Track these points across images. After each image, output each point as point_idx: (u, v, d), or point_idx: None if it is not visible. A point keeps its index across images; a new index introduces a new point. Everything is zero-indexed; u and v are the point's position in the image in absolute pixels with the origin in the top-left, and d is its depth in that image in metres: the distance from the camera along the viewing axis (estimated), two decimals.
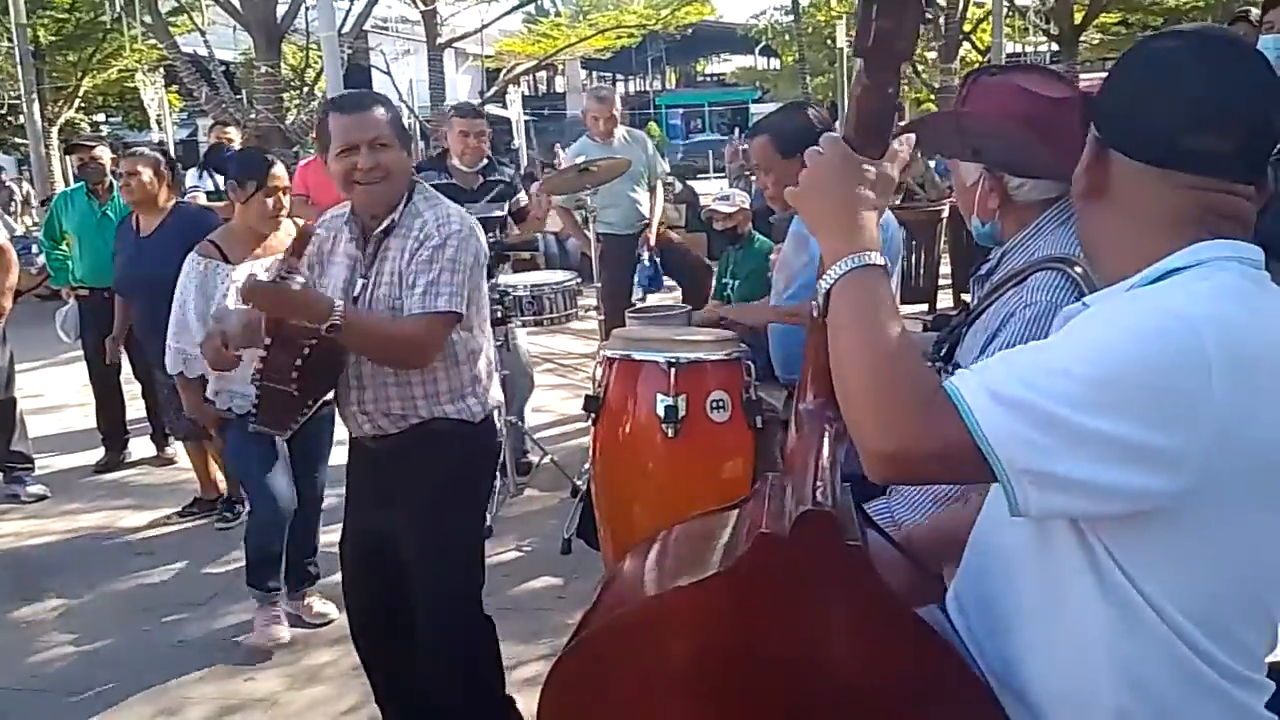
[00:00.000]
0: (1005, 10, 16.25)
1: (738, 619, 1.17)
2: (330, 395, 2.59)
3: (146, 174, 4.44)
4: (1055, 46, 18.72)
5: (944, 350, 1.80)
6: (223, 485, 4.80)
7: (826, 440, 1.28)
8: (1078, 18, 18.21)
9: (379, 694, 2.81)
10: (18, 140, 18.87)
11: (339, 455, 3.21)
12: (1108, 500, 1.00)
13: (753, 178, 12.38)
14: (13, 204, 19.02)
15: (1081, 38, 18.48)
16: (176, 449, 5.60)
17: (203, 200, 6.39)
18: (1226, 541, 1.04)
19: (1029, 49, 20.15)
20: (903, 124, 1.27)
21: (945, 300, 8.18)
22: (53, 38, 17.22)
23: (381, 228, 2.45)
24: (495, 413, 2.68)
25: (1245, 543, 1.05)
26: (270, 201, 3.43)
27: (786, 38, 25.09)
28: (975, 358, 1.69)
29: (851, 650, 1.17)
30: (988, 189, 1.78)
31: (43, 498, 5.14)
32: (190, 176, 7.23)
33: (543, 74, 34.46)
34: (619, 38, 22.73)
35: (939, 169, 7.91)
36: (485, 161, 4.94)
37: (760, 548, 1.15)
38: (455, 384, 2.52)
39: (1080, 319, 1.08)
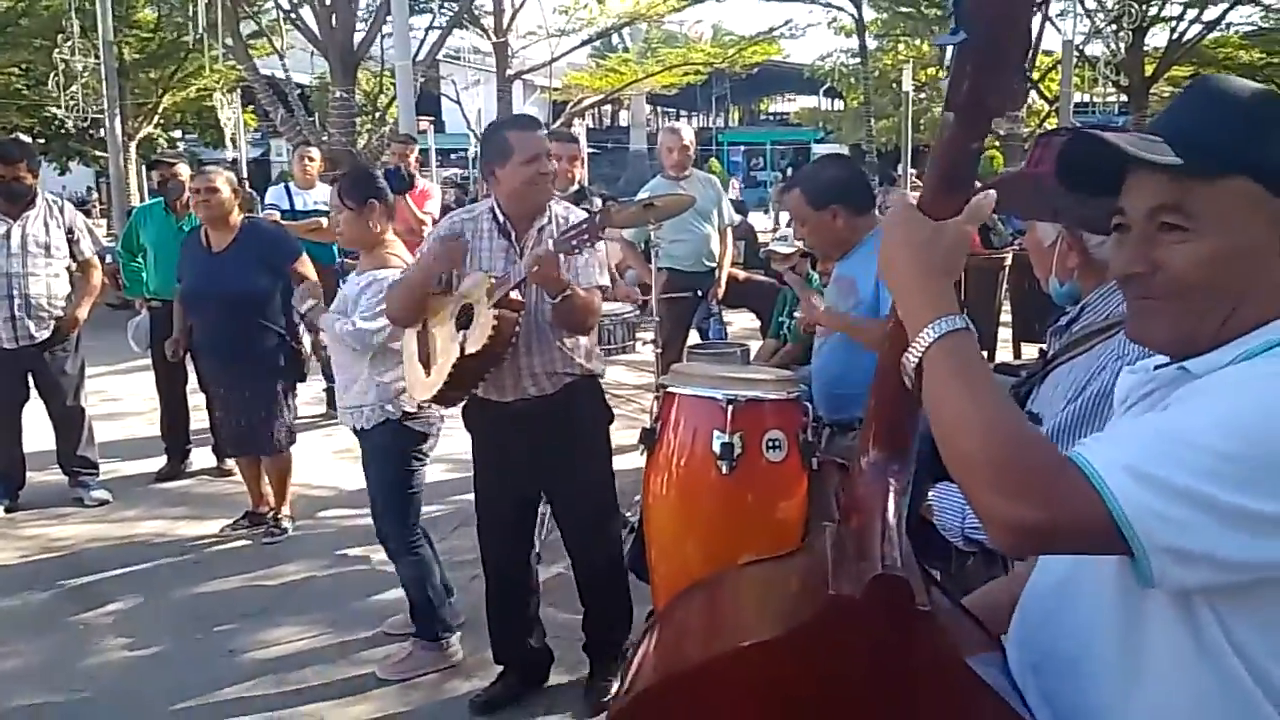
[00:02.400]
0: (1075, 60, 16.12)
1: (800, 680, 1.15)
2: None
3: (225, 191, 4.55)
4: (1124, 98, 18.50)
5: (1017, 398, 1.79)
6: (271, 500, 4.85)
7: (892, 496, 1.25)
8: (1149, 69, 17.98)
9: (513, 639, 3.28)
10: (97, 153, 19.53)
11: None
12: (1240, 571, 0.98)
13: None
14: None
15: (1152, 90, 18.25)
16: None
17: (276, 218, 6.52)
18: None
19: (1097, 100, 19.92)
20: (984, 184, 1.23)
21: (1003, 354, 8.01)
22: (136, 55, 17.85)
23: (535, 224, 2.98)
24: None
25: None
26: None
27: (852, 80, 25.10)
28: (1061, 409, 1.69)
29: (914, 714, 1.14)
30: (1066, 248, 1.78)
31: (105, 502, 5.24)
32: (272, 195, 7.38)
33: (608, 108, 34.82)
34: (685, 75, 22.94)
35: (1004, 217, 7.83)
36: (577, 187, 4.99)
37: (830, 610, 1.12)
38: (590, 345, 3.12)
39: (1199, 389, 1.04)
